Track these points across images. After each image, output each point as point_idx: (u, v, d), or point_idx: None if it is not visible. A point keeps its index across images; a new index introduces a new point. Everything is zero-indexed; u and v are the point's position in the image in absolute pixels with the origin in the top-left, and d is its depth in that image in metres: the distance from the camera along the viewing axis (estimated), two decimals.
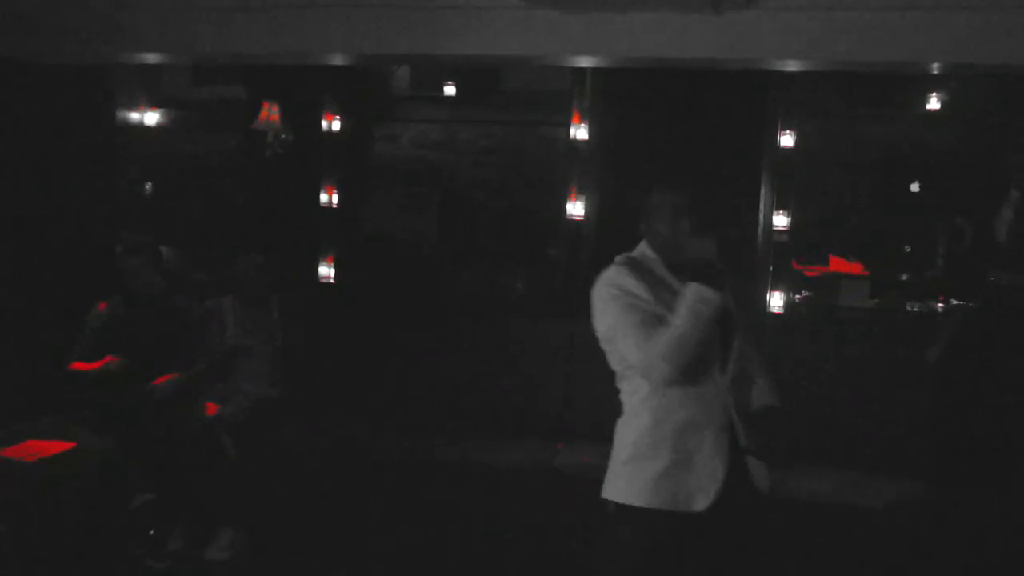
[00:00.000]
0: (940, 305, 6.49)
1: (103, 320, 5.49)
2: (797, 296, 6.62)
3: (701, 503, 2.90)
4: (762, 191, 6.50)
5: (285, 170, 6.93)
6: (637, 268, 2.94)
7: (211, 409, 5.49)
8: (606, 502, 3.03)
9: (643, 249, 2.98)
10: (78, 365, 5.51)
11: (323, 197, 7.07)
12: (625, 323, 2.90)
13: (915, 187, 7.28)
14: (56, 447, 5.12)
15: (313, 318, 6.31)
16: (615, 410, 3.04)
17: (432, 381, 6.45)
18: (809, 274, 6.72)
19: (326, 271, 7.08)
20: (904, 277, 6.94)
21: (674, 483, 2.93)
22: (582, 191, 6.68)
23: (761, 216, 6.51)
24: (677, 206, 2.88)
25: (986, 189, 6.59)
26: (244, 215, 7.09)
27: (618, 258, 3.01)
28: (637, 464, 2.97)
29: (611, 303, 2.91)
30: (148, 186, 7.04)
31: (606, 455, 3.06)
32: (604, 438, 3.14)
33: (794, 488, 5.38)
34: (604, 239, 6.73)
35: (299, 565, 5.07)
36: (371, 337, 6.61)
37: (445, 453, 6.00)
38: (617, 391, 3.05)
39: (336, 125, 7.12)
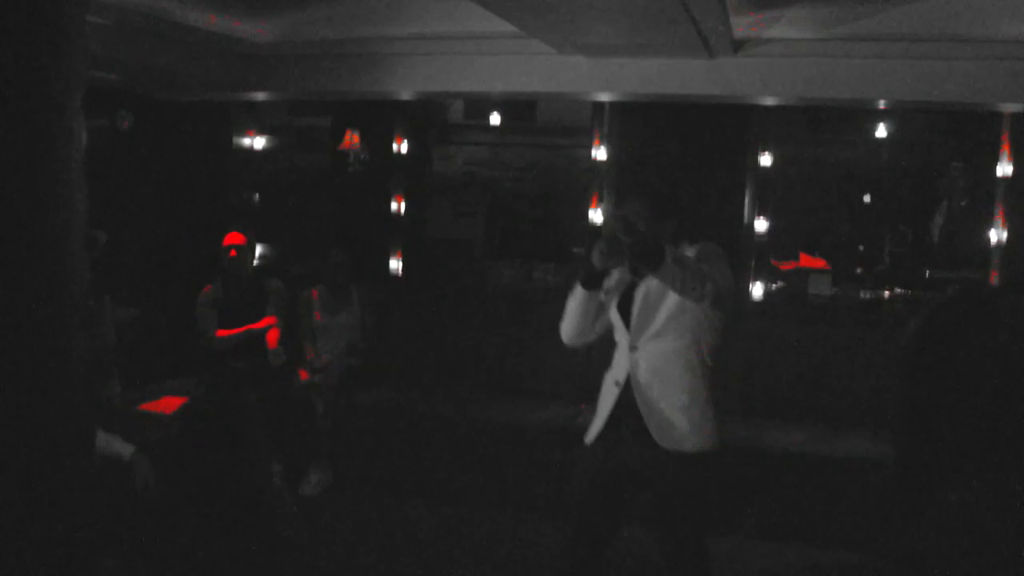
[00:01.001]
0: (887, 293, 6.64)
1: (210, 299, 6.01)
2: (773, 286, 6.72)
3: (588, 438, 3.27)
4: (746, 202, 6.49)
5: (363, 183, 7.13)
6: None
7: (303, 375, 5.89)
8: None
9: None
10: (222, 332, 5.98)
11: (393, 206, 7.26)
12: None
13: (867, 199, 7.55)
14: (176, 401, 5.38)
15: (385, 304, 6.55)
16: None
17: (479, 354, 6.40)
18: (783, 268, 6.88)
19: (395, 265, 7.27)
20: (859, 271, 7.11)
21: (593, 421, 3.33)
22: (601, 200, 6.71)
23: (745, 221, 6.58)
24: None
25: (922, 201, 6.89)
26: (331, 220, 7.32)
27: None
28: None
29: None
30: (256, 196, 7.32)
31: None
32: None
33: (768, 439, 5.41)
34: None
35: (373, 500, 5.48)
36: (431, 319, 6.61)
37: (489, 413, 5.94)
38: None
39: (404, 147, 7.29)
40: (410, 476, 5.67)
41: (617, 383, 3.16)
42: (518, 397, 6.03)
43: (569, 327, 3.26)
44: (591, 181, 6.76)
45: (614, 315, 3.21)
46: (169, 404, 5.43)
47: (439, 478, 5.66)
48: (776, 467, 5.26)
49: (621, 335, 3.22)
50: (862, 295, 6.63)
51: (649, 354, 3.11)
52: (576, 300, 3.17)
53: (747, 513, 5.09)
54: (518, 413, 5.87)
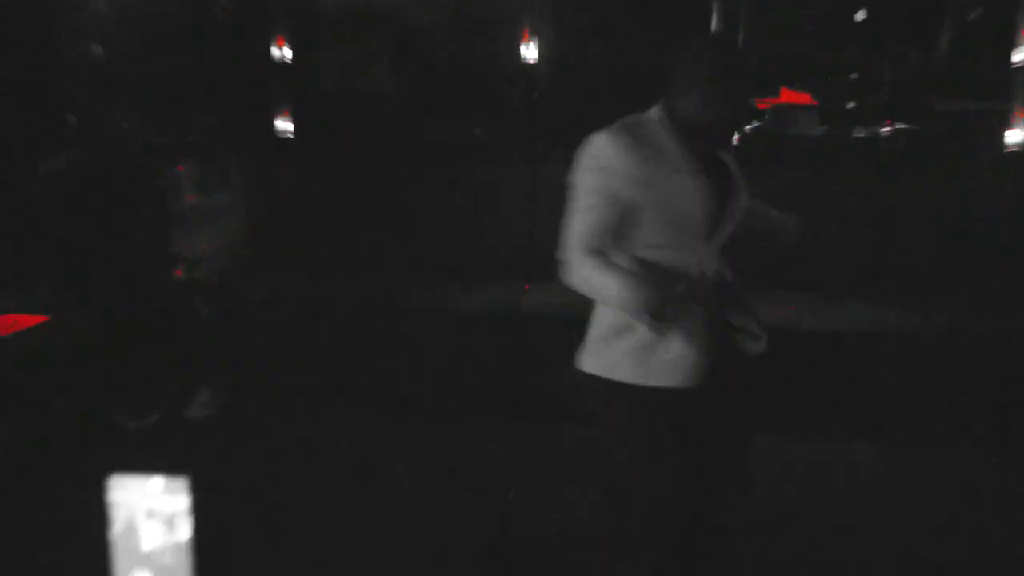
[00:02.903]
0: (886, 130, 6.54)
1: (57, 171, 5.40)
2: (748, 128, 6.58)
3: (677, 379, 2.68)
4: (712, 25, 6.28)
5: (236, 28, 6.83)
6: (635, 134, 2.59)
7: (178, 273, 5.30)
8: (586, 376, 2.79)
9: (655, 113, 2.60)
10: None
11: (275, 52, 6.75)
12: (578, 203, 2.64)
13: (860, 16, 7.28)
14: (31, 320, 5.24)
15: (274, 174, 6.30)
16: None
17: (399, 229, 6.42)
18: (761, 106, 6.73)
19: (284, 126, 6.85)
20: (851, 105, 7.00)
21: (649, 358, 2.72)
22: (534, 34, 6.45)
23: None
24: (711, 80, 2.35)
25: (926, 16, 6.69)
26: (198, 76, 6.89)
27: (619, 122, 2.60)
28: (618, 338, 2.75)
29: (584, 174, 2.64)
30: (97, 49, 6.88)
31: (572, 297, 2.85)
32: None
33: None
34: (561, 81, 6.59)
35: (279, 417, 4.95)
36: (335, 190, 6.52)
37: (418, 299, 5.97)
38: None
39: None
40: (324, 380, 5.33)
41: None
42: (451, 278, 6.04)
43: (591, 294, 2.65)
44: (520, 7, 6.56)
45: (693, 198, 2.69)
46: (9, 321, 5.33)
47: (361, 379, 5.35)
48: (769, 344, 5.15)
49: (690, 240, 2.64)
50: (856, 133, 6.63)
51: (710, 262, 2.63)
52: (629, 305, 2.44)
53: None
54: (451, 296, 5.88)
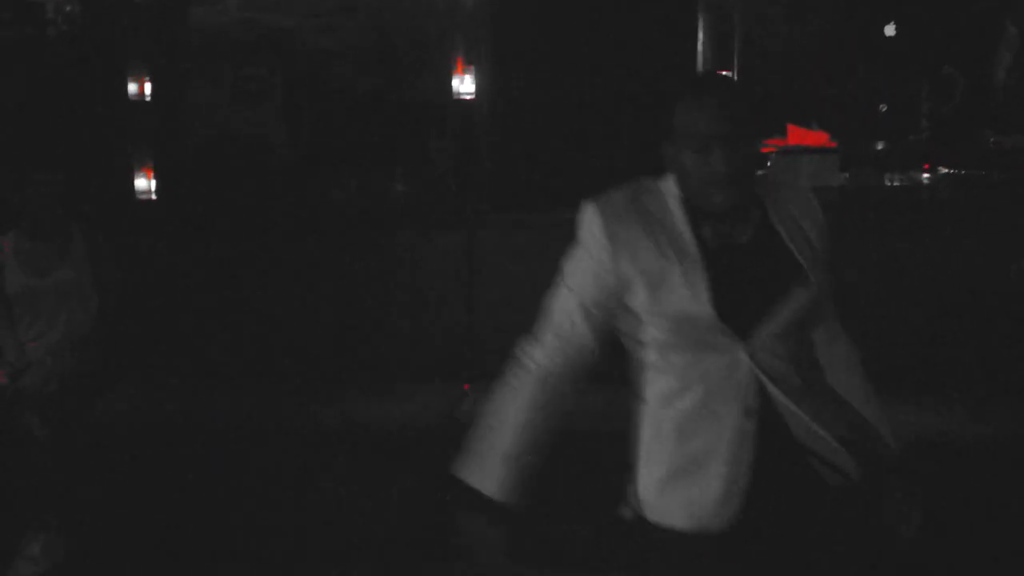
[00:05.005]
0: (926, 176, 6.34)
1: None
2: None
3: (717, 522, 2.67)
4: (699, 47, 6.38)
5: (78, 55, 6.46)
6: (634, 204, 2.69)
7: (0, 378, 5.35)
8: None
9: (664, 182, 2.69)
10: None
11: (131, 88, 6.48)
12: (553, 290, 2.76)
13: (890, 30, 7.20)
14: None
15: (133, 249, 6.01)
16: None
17: (295, 321, 6.24)
18: (763, 150, 6.49)
19: (144, 185, 6.56)
20: (880, 146, 6.80)
21: (679, 494, 2.72)
22: (471, 62, 6.38)
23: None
24: (708, 137, 2.44)
25: (978, 29, 6.62)
26: (27, 116, 6.59)
27: (625, 185, 2.75)
28: (642, 467, 2.79)
29: (568, 256, 2.76)
30: None
31: None
32: None
33: None
34: (506, 123, 6.51)
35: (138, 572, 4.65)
36: (211, 268, 6.27)
37: (321, 412, 5.83)
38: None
39: None
40: (201, 524, 4.99)
41: (749, 411, 2.65)
42: (367, 384, 5.99)
43: None
44: (452, 29, 6.52)
45: (700, 299, 2.67)
46: None
47: (249, 523, 4.98)
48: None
49: (706, 330, 2.70)
50: (888, 181, 6.36)
51: (774, 353, 2.72)
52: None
53: None
54: (367, 407, 5.80)
